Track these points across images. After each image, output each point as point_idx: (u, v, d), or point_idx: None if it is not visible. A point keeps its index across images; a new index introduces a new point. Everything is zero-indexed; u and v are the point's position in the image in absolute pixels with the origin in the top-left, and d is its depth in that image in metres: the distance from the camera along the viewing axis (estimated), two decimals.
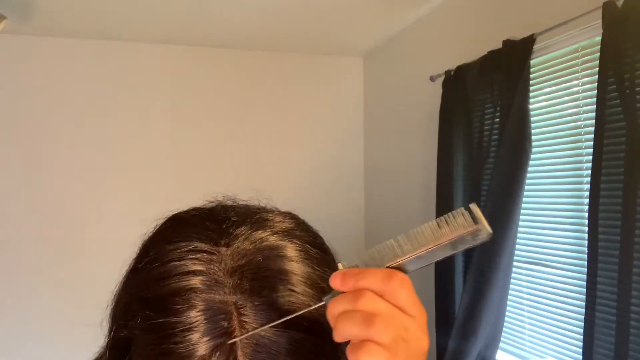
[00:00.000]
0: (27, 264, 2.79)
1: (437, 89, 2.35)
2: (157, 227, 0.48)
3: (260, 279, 0.41)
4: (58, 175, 2.86)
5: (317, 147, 3.29)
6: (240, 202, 0.51)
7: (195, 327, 0.39)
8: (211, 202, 0.51)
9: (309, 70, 3.30)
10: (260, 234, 0.45)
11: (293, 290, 0.42)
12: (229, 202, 0.51)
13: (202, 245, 0.43)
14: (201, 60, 3.09)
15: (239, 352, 0.39)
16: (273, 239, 0.44)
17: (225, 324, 0.39)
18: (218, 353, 0.39)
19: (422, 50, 2.69)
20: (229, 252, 0.43)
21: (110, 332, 0.47)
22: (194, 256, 0.42)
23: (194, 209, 0.49)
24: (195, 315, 0.39)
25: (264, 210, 0.50)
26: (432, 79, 2.41)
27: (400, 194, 2.91)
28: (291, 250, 0.44)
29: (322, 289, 0.43)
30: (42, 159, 2.84)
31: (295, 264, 0.43)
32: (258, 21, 2.69)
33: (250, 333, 0.40)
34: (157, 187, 2.93)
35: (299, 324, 0.41)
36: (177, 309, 0.40)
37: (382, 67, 3.16)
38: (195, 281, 0.41)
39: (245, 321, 0.40)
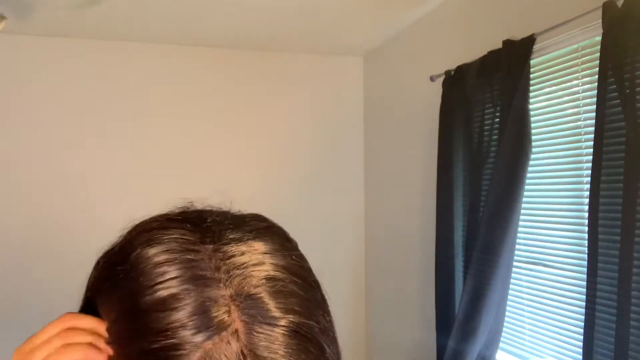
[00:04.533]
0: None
1: (437, 89, 2.35)
2: (131, 233, 0.47)
3: (247, 273, 0.43)
4: (56, 173, 2.86)
5: (317, 147, 3.29)
6: (209, 207, 0.51)
7: (191, 324, 0.39)
8: (180, 207, 0.51)
9: (309, 70, 3.30)
10: (241, 232, 0.46)
11: (280, 280, 0.43)
12: (199, 206, 0.51)
13: (188, 245, 0.43)
14: (201, 60, 3.10)
15: (243, 344, 0.40)
16: (254, 235, 0.46)
17: (226, 317, 0.40)
18: (221, 347, 0.39)
19: (422, 50, 2.69)
20: (215, 248, 0.44)
21: None
22: (180, 256, 0.42)
23: (164, 214, 0.48)
24: (190, 312, 0.40)
25: (235, 212, 0.50)
26: (432, 79, 2.41)
27: (401, 194, 2.91)
28: (272, 244, 0.46)
29: (303, 278, 0.45)
30: (40, 157, 2.84)
31: (279, 257, 0.45)
32: (257, 21, 2.69)
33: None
34: (155, 186, 2.93)
35: (294, 309, 0.42)
36: (175, 309, 0.40)
37: (382, 67, 3.16)
38: (186, 281, 0.41)
39: (243, 313, 0.41)
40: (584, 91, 1.70)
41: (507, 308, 1.95)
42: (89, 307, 0.47)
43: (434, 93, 2.39)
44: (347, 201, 3.33)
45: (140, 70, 3.00)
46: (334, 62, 3.35)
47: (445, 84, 2.29)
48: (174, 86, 3.04)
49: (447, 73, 2.28)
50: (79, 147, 2.89)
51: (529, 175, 1.83)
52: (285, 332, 0.41)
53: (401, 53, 2.94)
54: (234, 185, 3.02)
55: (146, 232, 0.45)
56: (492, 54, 1.97)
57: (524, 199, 1.84)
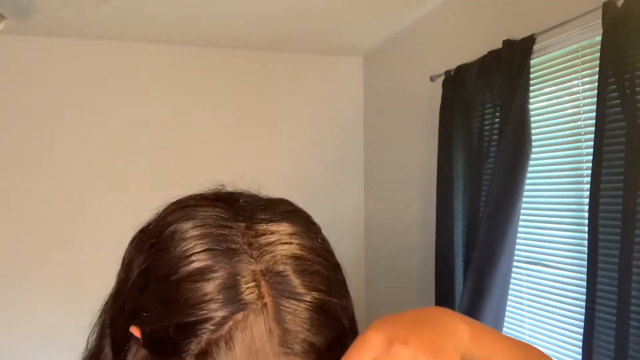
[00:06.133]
0: (22, 259, 2.80)
1: (437, 89, 2.35)
2: (167, 210, 0.49)
3: (277, 251, 0.45)
4: (57, 173, 2.86)
5: (317, 147, 3.29)
6: (240, 190, 0.55)
7: (223, 296, 0.41)
8: (212, 188, 0.54)
9: (309, 70, 3.30)
10: (271, 213, 0.48)
11: (306, 260, 0.45)
12: (231, 189, 0.54)
13: (221, 222, 0.46)
14: (201, 60, 3.09)
15: (271, 317, 0.42)
16: (282, 217, 0.48)
17: (256, 291, 0.42)
18: (251, 319, 0.41)
19: (422, 50, 2.69)
20: (247, 226, 0.46)
21: (116, 314, 0.49)
22: (215, 231, 0.45)
23: (199, 194, 0.51)
24: (222, 284, 0.42)
25: (263, 196, 0.53)
26: (432, 79, 2.41)
27: (400, 194, 2.91)
28: (299, 226, 0.48)
29: (327, 259, 0.48)
30: (41, 157, 2.84)
31: (305, 238, 0.47)
32: (258, 21, 2.69)
33: None
34: (154, 184, 2.93)
35: (318, 287, 0.44)
36: (207, 280, 0.42)
37: (382, 67, 3.16)
38: (219, 254, 0.43)
39: (272, 288, 0.43)
40: (584, 91, 1.70)
41: (507, 308, 1.95)
42: (122, 286, 0.49)
43: (434, 93, 2.39)
44: (347, 201, 3.33)
45: (140, 70, 3.00)
46: (334, 62, 3.35)
47: (445, 84, 2.29)
48: (173, 86, 3.04)
49: (447, 73, 2.28)
50: (78, 146, 2.89)
51: (529, 175, 1.83)
52: (310, 308, 0.43)
53: (401, 53, 2.93)
54: (231, 184, 3.02)
55: (182, 208, 0.48)
56: (492, 54, 1.97)
57: (524, 199, 1.84)
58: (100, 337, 0.52)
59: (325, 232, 0.52)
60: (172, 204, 0.50)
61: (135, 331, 0.45)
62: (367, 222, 3.36)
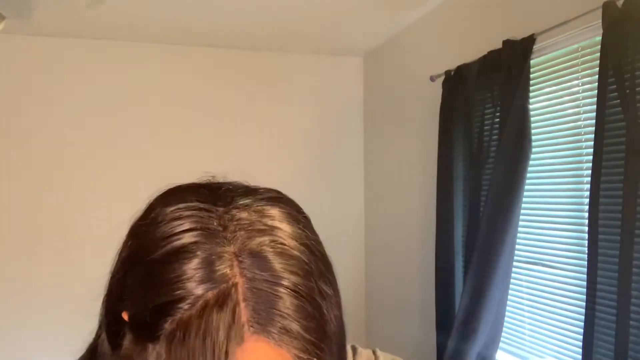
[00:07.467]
0: (21, 258, 2.80)
1: (437, 89, 2.35)
2: (155, 197, 0.52)
3: (253, 234, 0.45)
4: (57, 173, 2.86)
5: (317, 147, 3.29)
6: (230, 180, 0.56)
7: (196, 276, 0.42)
8: (202, 178, 0.56)
9: (309, 70, 3.30)
10: (252, 199, 0.49)
11: (284, 244, 0.46)
12: (220, 179, 0.56)
13: (201, 205, 0.47)
14: (201, 60, 3.09)
15: (241, 297, 0.42)
16: (264, 203, 0.49)
17: (228, 271, 0.43)
18: (220, 299, 0.42)
19: (422, 50, 2.69)
20: (225, 210, 0.47)
21: (108, 300, 0.51)
22: (194, 213, 0.46)
23: (187, 183, 0.54)
24: (197, 265, 0.43)
25: (252, 185, 0.55)
26: (432, 79, 2.41)
27: (400, 194, 2.91)
28: (281, 212, 0.49)
29: (307, 246, 0.47)
30: (41, 157, 2.84)
31: (285, 223, 0.48)
32: (258, 21, 2.69)
33: None
34: (154, 183, 2.92)
35: (294, 271, 0.44)
36: (182, 260, 0.43)
37: (382, 67, 3.16)
38: (196, 235, 0.44)
39: (245, 268, 0.43)
40: (584, 91, 1.70)
41: (507, 308, 1.95)
42: (113, 272, 0.51)
43: (434, 93, 2.39)
44: (347, 201, 3.33)
45: (139, 70, 3.00)
46: (334, 62, 3.35)
47: (445, 84, 2.29)
48: (173, 86, 3.04)
49: (447, 73, 2.28)
50: (78, 146, 2.89)
51: (529, 175, 1.83)
52: (285, 291, 0.43)
53: (401, 53, 2.93)
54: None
55: (167, 195, 0.51)
56: (492, 54, 1.97)
57: (524, 199, 1.84)
58: (98, 326, 0.53)
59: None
60: (161, 192, 0.52)
61: (125, 316, 0.46)
62: (367, 222, 3.36)
